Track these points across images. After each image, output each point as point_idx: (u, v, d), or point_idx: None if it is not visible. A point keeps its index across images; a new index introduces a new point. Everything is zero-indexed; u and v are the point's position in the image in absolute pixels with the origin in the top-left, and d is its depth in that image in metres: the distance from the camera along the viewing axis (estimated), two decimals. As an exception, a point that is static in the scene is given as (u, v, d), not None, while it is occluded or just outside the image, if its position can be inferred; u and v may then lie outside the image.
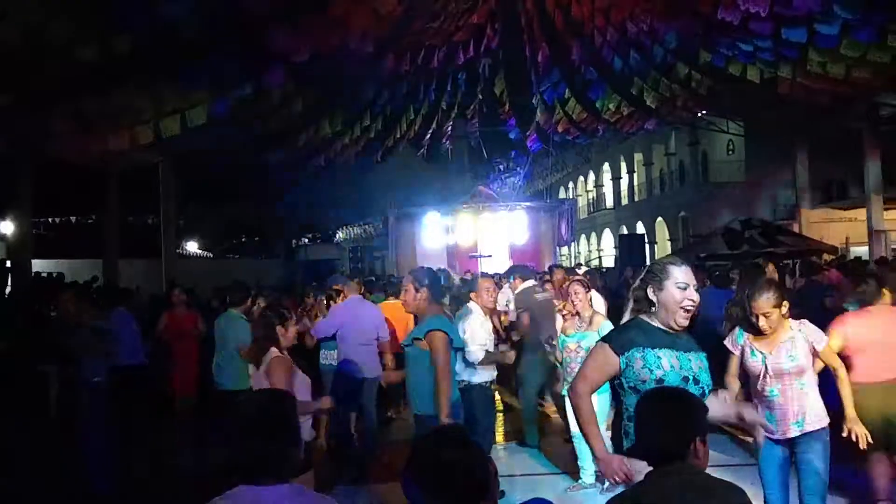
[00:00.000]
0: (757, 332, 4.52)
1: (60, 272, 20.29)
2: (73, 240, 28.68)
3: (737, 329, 4.71)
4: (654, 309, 3.49)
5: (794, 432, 4.45)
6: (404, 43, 14.68)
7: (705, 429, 2.68)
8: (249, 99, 13.32)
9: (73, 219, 31.18)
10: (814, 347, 4.51)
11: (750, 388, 4.66)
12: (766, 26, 12.56)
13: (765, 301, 4.43)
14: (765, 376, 4.48)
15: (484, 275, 9.96)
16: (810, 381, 4.52)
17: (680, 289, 3.46)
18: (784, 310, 4.48)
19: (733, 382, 4.73)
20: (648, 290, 3.50)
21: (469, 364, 6.45)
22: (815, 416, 4.47)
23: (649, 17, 13.66)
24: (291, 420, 2.53)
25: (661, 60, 15.10)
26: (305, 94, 14.98)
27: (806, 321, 4.64)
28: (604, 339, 3.54)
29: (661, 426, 2.56)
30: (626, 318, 3.61)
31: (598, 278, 11.21)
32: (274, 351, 4.80)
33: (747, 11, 12.03)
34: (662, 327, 3.48)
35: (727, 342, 4.74)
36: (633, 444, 2.68)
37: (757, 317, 4.45)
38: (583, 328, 6.72)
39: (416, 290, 5.20)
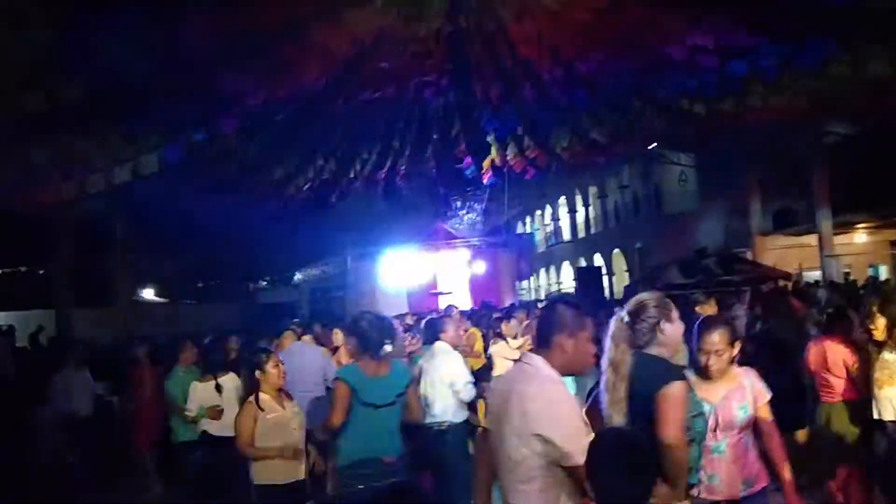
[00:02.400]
0: (703, 377, 4.05)
1: (11, 324, 19.87)
2: (24, 290, 28.10)
3: None
4: (658, 343, 3.49)
5: (741, 493, 3.99)
6: (356, 83, 14.73)
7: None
8: (203, 144, 13.24)
9: (22, 269, 30.58)
10: (756, 400, 4.05)
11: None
12: (712, 60, 12.84)
13: (717, 337, 3.99)
14: (714, 430, 3.95)
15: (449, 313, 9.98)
16: (751, 439, 4.10)
17: (680, 322, 3.54)
18: (735, 351, 4.06)
19: None
20: (661, 324, 3.49)
21: (450, 404, 6.44)
22: (761, 474, 4.08)
23: (597, 54, 13.87)
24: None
25: (611, 96, 15.33)
26: (259, 137, 14.93)
27: (749, 369, 4.20)
28: (679, 379, 3.39)
29: (625, 472, 2.49)
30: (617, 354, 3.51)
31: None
32: (251, 399, 5.04)
33: (694, 46, 12.31)
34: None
35: None
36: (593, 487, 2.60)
37: (706, 354, 4.00)
38: None
39: (346, 339, 5.31)
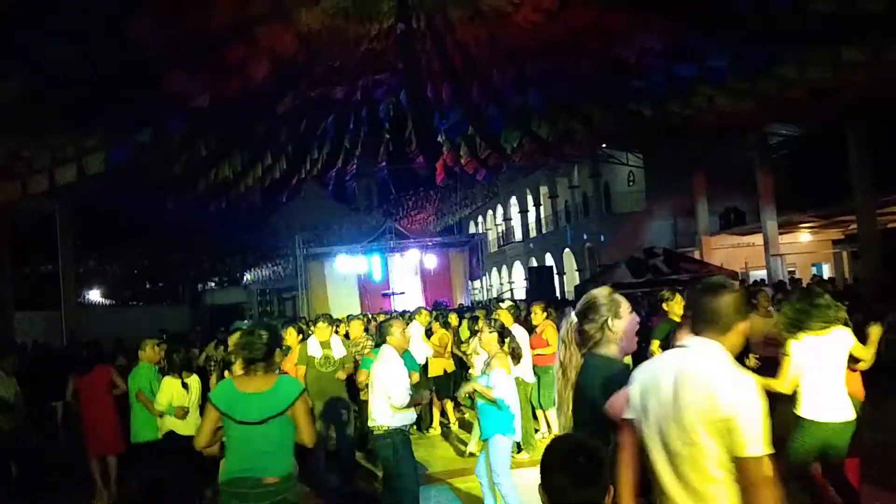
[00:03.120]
0: None
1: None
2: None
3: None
4: (610, 340, 3.45)
5: None
6: (306, 82, 14.63)
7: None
8: (148, 145, 13.03)
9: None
10: None
11: None
12: (660, 62, 13.02)
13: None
14: None
15: (394, 315, 9.95)
16: None
17: (630, 314, 3.52)
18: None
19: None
20: (609, 322, 3.47)
21: (396, 408, 6.40)
22: None
23: (548, 55, 13.96)
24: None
25: (561, 97, 15.44)
26: (206, 137, 14.75)
27: None
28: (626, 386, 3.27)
29: (579, 479, 2.46)
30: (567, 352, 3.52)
31: (520, 312, 11.30)
32: None
33: (642, 48, 12.46)
34: (620, 359, 3.50)
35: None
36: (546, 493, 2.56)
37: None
38: (484, 370, 6.77)
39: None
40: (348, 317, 12.71)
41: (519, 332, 9.01)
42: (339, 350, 8.67)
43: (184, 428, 7.33)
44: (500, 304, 13.34)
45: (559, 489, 2.49)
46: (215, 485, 4.78)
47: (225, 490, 4.43)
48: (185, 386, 7.53)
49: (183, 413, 7.37)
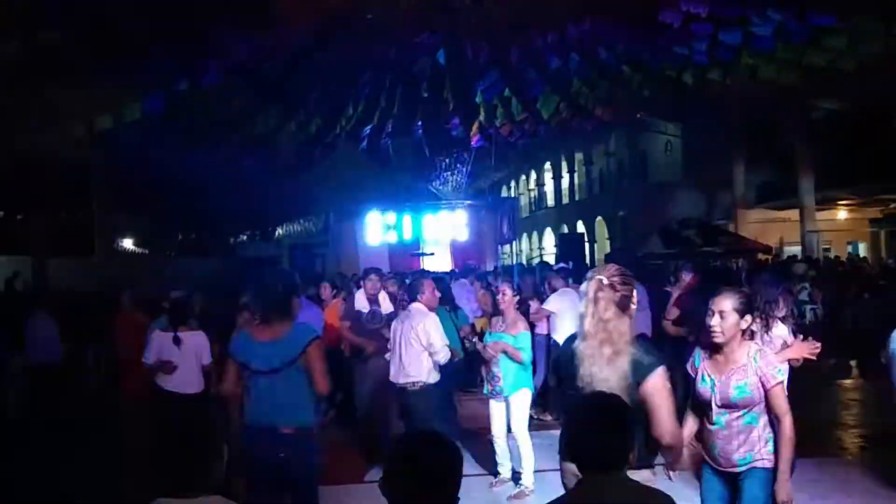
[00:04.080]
0: (712, 351, 4.01)
1: (-13, 269, 19.69)
2: (1, 236, 27.77)
3: (696, 351, 4.21)
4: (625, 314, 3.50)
5: (739, 468, 3.94)
6: (344, 38, 14.52)
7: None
8: (185, 95, 13.04)
9: (0, 213, 30.23)
10: (762, 383, 3.88)
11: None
12: (705, 28, 12.73)
13: (726, 300, 3.92)
14: (711, 405, 3.97)
15: (425, 274, 9.94)
16: (763, 418, 3.94)
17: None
18: (745, 324, 3.93)
19: (690, 419, 4.19)
20: (633, 293, 3.54)
21: (438, 363, 6.51)
22: (763, 456, 3.92)
23: (590, 19, 13.73)
24: (205, 432, 2.42)
25: (602, 62, 15.21)
26: (243, 89, 14.74)
27: (766, 350, 4.11)
28: (662, 366, 3.38)
29: (604, 434, 2.49)
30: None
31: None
32: None
33: (688, 13, 12.18)
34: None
35: (688, 366, 4.28)
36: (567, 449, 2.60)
37: (712, 313, 3.94)
38: (502, 329, 6.75)
39: None
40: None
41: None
42: (387, 306, 8.59)
43: (172, 384, 7.12)
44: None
45: (585, 442, 2.50)
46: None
47: (245, 439, 4.43)
48: (176, 340, 7.20)
49: (170, 368, 7.13)
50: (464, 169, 27.58)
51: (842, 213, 27.99)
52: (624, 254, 25.74)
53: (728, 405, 3.91)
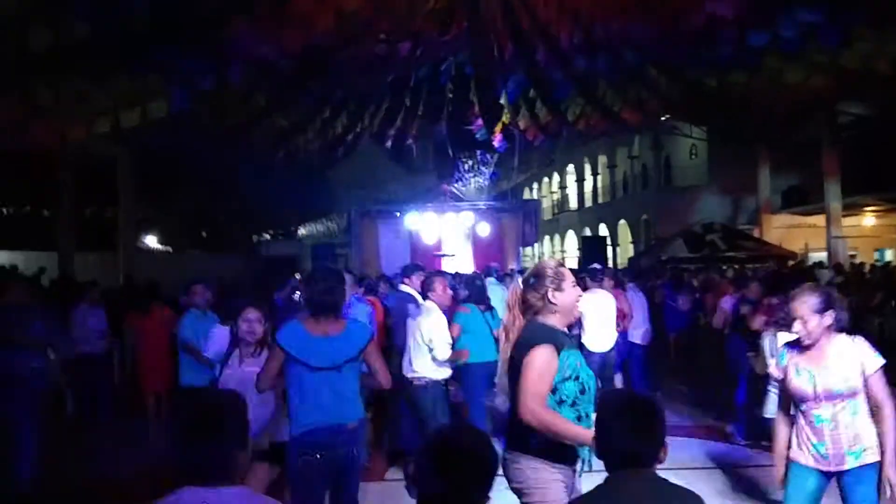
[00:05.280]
0: (804, 348, 4.01)
1: (14, 264, 19.89)
2: (28, 231, 28.09)
3: (780, 349, 4.24)
4: (550, 311, 3.62)
5: (850, 463, 3.89)
6: (370, 37, 14.54)
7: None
8: (211, 92, 13.10)
9: (26, 209, 30.57)
10: (864, 369, 3.87)
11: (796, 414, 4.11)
12: (732, 31, 12.63)
13: (799, 306, 3.94)
14: (813, 399, 3.93)
15: (438, 273, 9.88)
16: (864, 407, 3.92)
17: (573, 288, 3.69)
18: (829, 320, 3.91)
19: (782, 428, 4.19)
20: (550, 294, 3.61)
21: (437, 360, 6.53)
22: (872, 446, 3.88)
23: (616, 20, 13.66)
24: (237, 421, 2.41)
25: (627, 64, 15.12)
26: (267, 87, 14.79)
27: (861, 337, 4.02)
28: (544, 342, 3.46)
29: (635, 431, 2.47)
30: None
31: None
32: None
33: (713, 15, 12.09)
34: (560, 328, 3.64)
35: (771, 369, 4.31)
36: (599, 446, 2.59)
37: (794, 321, 3.98)
38: None
39: None
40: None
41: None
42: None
43: None
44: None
45: (615, 439, 2.49)
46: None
47: (304, 441, 4.28)
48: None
49: None
50: (487, 170, 27.55)
51: (868, 219, 27.65)
52: (646, 258, 25.65)
53: (832, 396, 3.89)
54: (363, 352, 4.49)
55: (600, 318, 8.98)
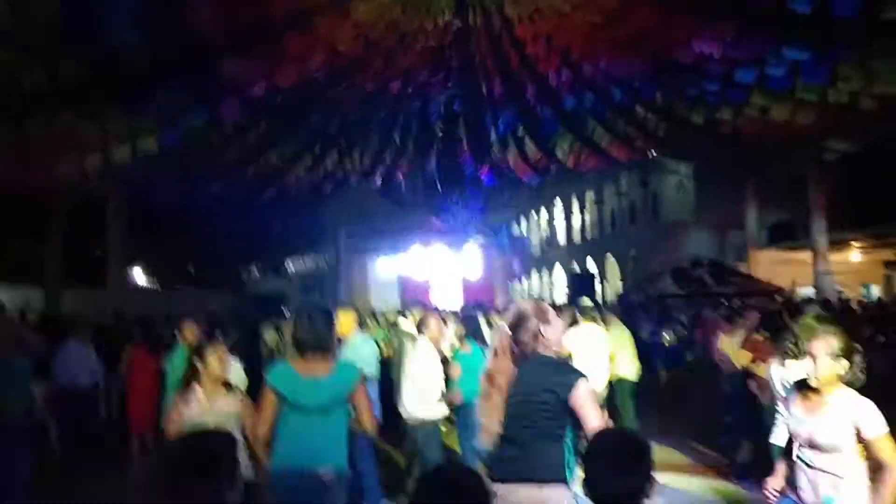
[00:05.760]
0: (807, 390, 3.92)
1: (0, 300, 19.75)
2: (15, 266, 27.92)
3: (790, 383, 4.19)
4: (544, 346, 3.76)
5: None
6: (360, 75, 14.65)
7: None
8: (201, 129, 13.16)
9: (14, 244, 30.41)
10: (858, 429, 3.72)
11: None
12: (718, 68, 12.80)
13: (823, 343, 3.79)
14: (800, 443, 3.90)
15: (432, 309, 9.87)
16: (854, 465, 3.80)
17: (557, 319, 3.88)
18: (841, 368, 3.77)
19: (781, 461, 4.19)
20: (540, 329, 3.75)
21: (420, 400, 6.47)
22: (845, 499, 3.76)
23: (605, 58, 13.82)
24: (229, 463, 2.39)
25: (616, 101, 15.28)
26: (258, 124, 14.85)
27: (866, 401, 3.81)
28: (582, 376, 3.68)
29: (624, 470, 2.48)
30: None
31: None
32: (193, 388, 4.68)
33: (701, 54, 12.26)
34: None
35: (781, 399, 4.23)
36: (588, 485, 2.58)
37: (810, 358, 3.84)
38: None
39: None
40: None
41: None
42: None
43: None
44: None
45: (604, 478, 2.49)
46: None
47: (277, 483, 4.15)
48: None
49: None
50: (475, 206, 27.66)
51: (855, 255, 27.81)
52: (635, 294, 25.68)
53: (815, 446, 3.82)
54: (351, 394, 4.32)
55: (589, 355, 8.91)
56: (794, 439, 3.98)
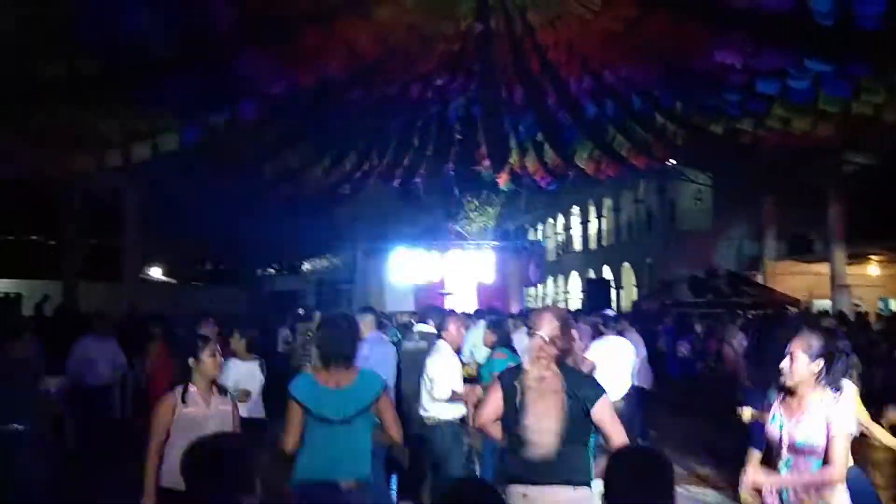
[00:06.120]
0: (786, 393, 3.99)
1: (19, 292, 19.92)
2: (33, 259, 28.14)
3: (771, 392, 4.31)
4: (569, 354, 3.86)
5: None
6: (380, 77, 14.68)
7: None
8: (221, 127, 13.21)
9: (33, 237, 30.64)
10: (829, 430, 3.78)
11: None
12: (739, 78, 12.73)
13: (796, 342, 3.91)
14: (780, 447, 3.95)
15: (452, 313, 9.86)
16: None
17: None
18: (817, 367, 3.86)
19: (753, 462, 4.24)
20: (574, 337, 3.91)
21: (437, 400, 6.49)
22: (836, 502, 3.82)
23: (626, 65, 13.79)
24: (240, 465, 2.39)
25: (636, 109, 15.23)
26: (277, 124, 14.91)
27: (843, 401, 4.00)
28: (604, 389, 3.81)
29: (646, 488, 2.47)
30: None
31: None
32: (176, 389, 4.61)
33: (722, 63, 12.20)
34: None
35: (745, 416, 4.47)
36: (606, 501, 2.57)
37: (786, 356, 3.93)
38: None
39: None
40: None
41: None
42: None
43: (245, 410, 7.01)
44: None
45: (623, 497, 2.49)
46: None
47: (299, 494, 4.16)
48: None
49: (247, 396, 6.84)
50: (492, 211, 27.66)
51: (873, 269, 27.59)
52: (650, 301, 25.60)
53: (794, 448, 3.87)
54: (375, 403, 4.29)
55: (613, 366, 8.74)
56: (775, 447, 4.00)
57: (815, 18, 10.12)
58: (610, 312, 10.34)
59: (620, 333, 9.70)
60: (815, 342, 3.89)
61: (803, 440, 3.83)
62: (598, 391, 3.71)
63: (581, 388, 3.70)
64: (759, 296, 22.76)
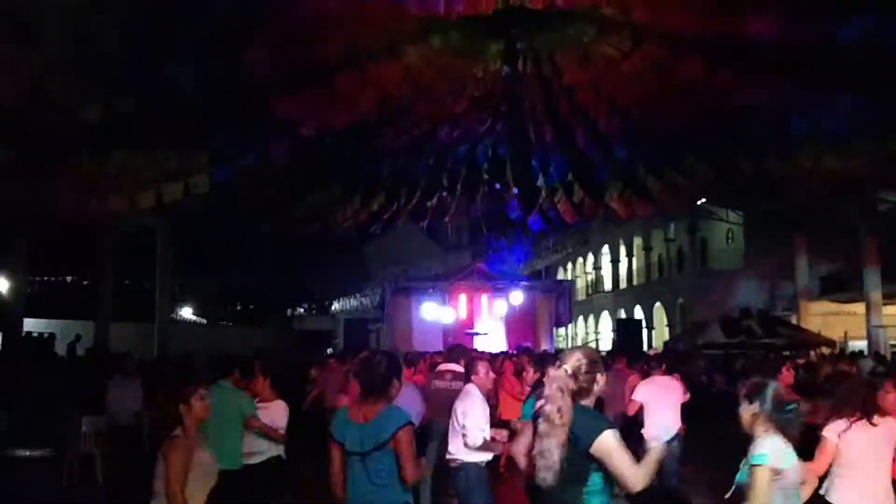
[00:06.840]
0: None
1: (52, 332, 20.12)
2: (67, 300, 28.53)
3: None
4: (589, 394, 3.73)
5: None
6: (409, 119, 14.80)
7: None
8: (252, 168, 13.36)
9: (68, 278, 31.08)
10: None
11: None
12: (769, 118, 12.69)
13: (740, 391, 4.02)
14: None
15: (481, 354, 9.81)
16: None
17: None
18: (750, 411, 3.89)
19: None
20: (597, 377, 3.73)
21: (469, 448, 6.42)
22: None
23: (653, 106, 13.79)
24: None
25: (664, 149, 15.20)
26: (307, 165, 15.05)
27: (776, 439, 3.86)
28: (610, 427, 3.63)
29: None
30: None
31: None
32: (176, 432, 4.51)
33: (751, 101, 12.17)
34: None
35: None
36: None
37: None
38: None
39: None
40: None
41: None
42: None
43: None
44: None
45: None
46: None
47: None
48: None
49: (281, 436, 6.56)
50: (521, 250, 27.63)
51: (910, 309, 27.12)
52: (682, 342, 25.32)
53: (740, 485, 3.91)
54: (393, 439, 4.28)
55: (661, 406, 8.52)
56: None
57: (846, 56, 10.10)
58: (653, 352, 10.17)
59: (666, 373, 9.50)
60: (746, 387, 3.98)
61: (739, 478, 3.92)
62: (600, 426, 3.59)
63: (582, 424, 3.61)
64: (792, 337, 22.42)
